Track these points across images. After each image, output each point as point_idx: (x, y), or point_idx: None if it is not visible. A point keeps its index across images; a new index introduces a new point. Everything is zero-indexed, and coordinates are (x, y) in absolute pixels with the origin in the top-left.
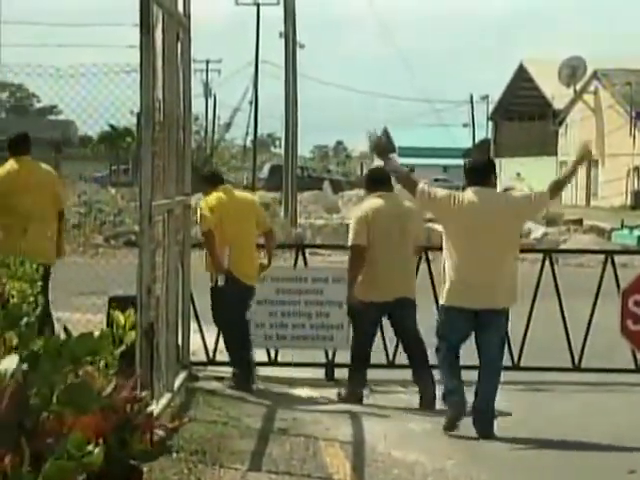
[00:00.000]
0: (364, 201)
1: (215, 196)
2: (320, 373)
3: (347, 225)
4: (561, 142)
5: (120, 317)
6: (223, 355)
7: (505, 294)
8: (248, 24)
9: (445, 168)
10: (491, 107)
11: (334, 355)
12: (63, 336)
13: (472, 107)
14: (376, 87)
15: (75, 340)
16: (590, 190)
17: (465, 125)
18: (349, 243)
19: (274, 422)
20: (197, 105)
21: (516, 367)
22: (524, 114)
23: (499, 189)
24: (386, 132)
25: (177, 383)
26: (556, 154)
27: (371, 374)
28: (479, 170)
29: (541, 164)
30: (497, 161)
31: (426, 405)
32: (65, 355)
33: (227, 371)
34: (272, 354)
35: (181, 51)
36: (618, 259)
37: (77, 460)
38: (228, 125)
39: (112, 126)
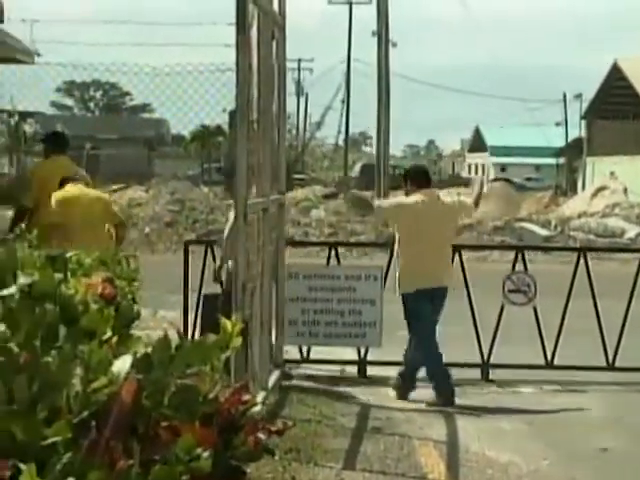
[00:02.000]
0: None
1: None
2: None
3: None
4: None
5: (227, 323)
6: (316, 353)
7: (448, 274)
8: (340, 23)
9: (537, 167)
10: (584, 106)
11: (366, 353)
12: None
13: (565, 106)
14: (469, 86)
15: (189, 347)
16: None
17: (558, 124)
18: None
19: (368, 421)
20: (289, 104)
21: (611, 367)
22: (618, 113)
23: (593, 189)
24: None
25: (271, 382)
26: None
27: (464, 374)
28: (425, 175)
29: (635, 163)
30: (590, 160)
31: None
32: (178, 361)
33: (320, 369)
34: (304, 351)
35: (276, 49)
36: None
37: (185, 464)
38: (319, 124)
39: (204, 126)
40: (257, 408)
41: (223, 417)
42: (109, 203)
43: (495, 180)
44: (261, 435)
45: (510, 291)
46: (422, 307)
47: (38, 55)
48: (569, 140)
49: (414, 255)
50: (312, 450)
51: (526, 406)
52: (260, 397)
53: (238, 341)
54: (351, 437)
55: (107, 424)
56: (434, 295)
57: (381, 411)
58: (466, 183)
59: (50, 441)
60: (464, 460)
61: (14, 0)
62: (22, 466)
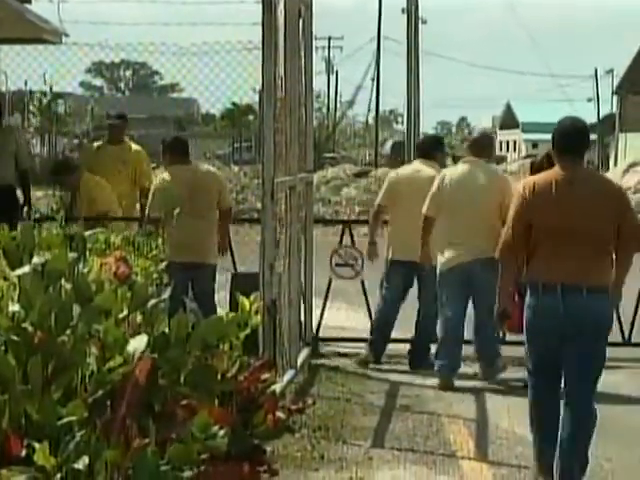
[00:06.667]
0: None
1: None
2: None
3: None
4: None
5: (245, 301)
6: (337, 331)
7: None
8: (370, 0)
9: None
10: (616, 81)
11: None
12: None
13: (596, 81)
14: (500, 62)
15: (205, 325)
16: None
17: (589, 100)
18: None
19: (397, 399)
20: (319, 83)
21: None
22: None
23: (625, 165)
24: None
25: (300, 360)
26: None
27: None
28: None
29: None
30: (622, 136)
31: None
32: (194, 339)
33: (351, 347)
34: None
35: (303, 28)
36: None
37: (201, 443)
38: (351, 103)
39: (234, 103)
40: (277, 386)
41: (242, 396)
42: None
43: (527, 157)
44: (280, 414)
45: (337, 265)
46: (393, 276)
47: (66, 35)
48: (601, 116)
49: (396, 226)
50: (341, 428)
51: None
52: (288, 375)
53: (257, 319)
54: (380, 415)
55: (122, 403)
56: (414, 269)
57: (410, 389)
58: (498, 160)
59: (65, 421)
60: (494, 437)
61: None
62: (37, 445)
